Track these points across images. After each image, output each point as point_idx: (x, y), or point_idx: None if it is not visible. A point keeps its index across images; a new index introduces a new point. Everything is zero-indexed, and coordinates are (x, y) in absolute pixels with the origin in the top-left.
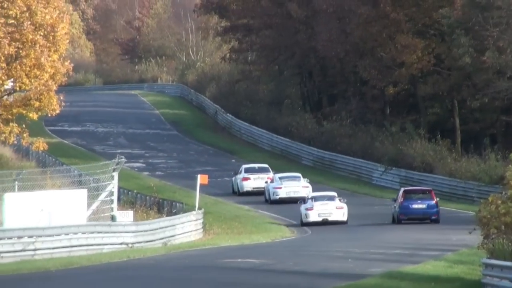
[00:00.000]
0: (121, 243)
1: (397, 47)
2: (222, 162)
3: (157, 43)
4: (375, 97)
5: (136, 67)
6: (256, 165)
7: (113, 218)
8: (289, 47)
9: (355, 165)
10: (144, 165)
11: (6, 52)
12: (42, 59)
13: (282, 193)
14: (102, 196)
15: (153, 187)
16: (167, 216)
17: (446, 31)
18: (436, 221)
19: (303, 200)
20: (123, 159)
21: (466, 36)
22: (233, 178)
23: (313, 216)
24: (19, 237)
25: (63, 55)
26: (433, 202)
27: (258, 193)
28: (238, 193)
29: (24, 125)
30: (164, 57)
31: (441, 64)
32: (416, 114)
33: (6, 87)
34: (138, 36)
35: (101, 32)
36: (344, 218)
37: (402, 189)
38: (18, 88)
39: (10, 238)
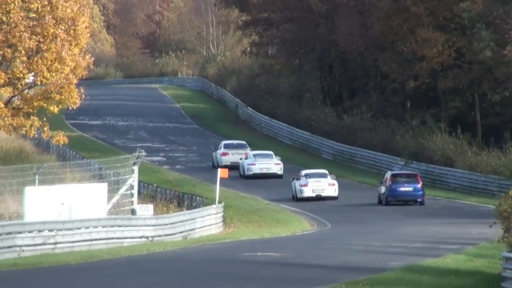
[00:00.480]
0: (141, 237)
1: (417, 40)
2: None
3: (177, 37)
4: (396, 90)
5: (157, 60)
6: (234, 142)
7: (133, 211)
8: (310, 41)
9: (375, 159)
10: (164, 158)
11: (27, 46)
12: (63, 53)
13: (256, 169)
14: (122, 190)
15: (172, 181)
16: (187, 209)
17: (467, 25)
18: (422, 203)
19: (296, 177)
20: (143, 153)
21: (487, 30)
22: (214, 153)
23: (308, 192)
24: (40, 231)
25: (84, 49)
26: (419, 185)
27: (235, 167)
28: (218, 167)
29: (44, 119)
30: (184, 51)
31: (461, 58)
32: (437, 108)
33: (27, 80)
34: (158, 30)
35: (121, 26)
36: (335, 194)
37: (390, 172)
38: (39, 82)
39: (30, 231)
